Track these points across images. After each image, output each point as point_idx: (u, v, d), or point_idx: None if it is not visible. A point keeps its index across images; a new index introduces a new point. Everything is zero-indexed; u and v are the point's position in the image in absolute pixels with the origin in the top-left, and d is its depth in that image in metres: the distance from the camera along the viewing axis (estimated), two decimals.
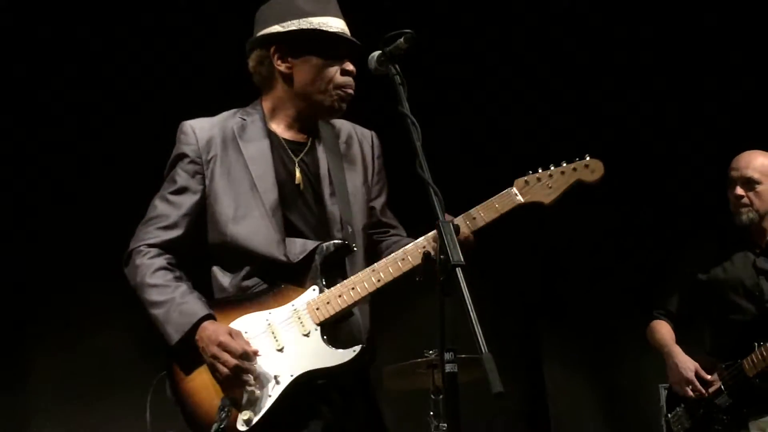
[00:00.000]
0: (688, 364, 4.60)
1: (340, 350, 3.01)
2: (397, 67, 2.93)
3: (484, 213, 3.05)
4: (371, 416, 3.15)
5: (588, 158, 3.11)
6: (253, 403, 2.97)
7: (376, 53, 3.02)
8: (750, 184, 4.65)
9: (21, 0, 5.56)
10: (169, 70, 5.82)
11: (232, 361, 2.93)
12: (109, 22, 5.75)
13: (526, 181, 3.09)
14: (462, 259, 2.53)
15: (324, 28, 3.15)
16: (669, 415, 4.68)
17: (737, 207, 4.67)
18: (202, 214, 3.18)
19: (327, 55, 3.15)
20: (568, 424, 6.58)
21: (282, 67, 3.19)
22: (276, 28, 3.17)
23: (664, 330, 4.81)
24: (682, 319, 4.84)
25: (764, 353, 4.43)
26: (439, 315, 2.53)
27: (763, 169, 4.66)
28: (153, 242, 3.15)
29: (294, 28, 3.15)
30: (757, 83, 6.33)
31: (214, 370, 2.98)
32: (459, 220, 3.02)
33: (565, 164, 3.12)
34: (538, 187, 3.09)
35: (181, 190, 3.17)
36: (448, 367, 2.52)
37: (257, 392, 2.98)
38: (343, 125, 3.34)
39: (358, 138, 3.36)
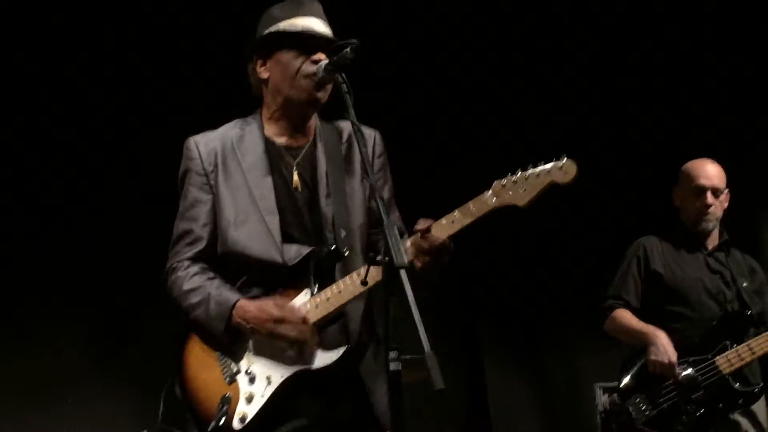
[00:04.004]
0: (672, 348, 4.57)
1: (327, 352, 3.13)
2: (343, 75, 3.00)
3: (461, 216, 3.05)
4: (361, 414, 3.21)
5: (563, 159, 3.04)
6: (248, 402, 3.14)
7: (324, 62, 3.13)
8: (717, 193, 4.84)
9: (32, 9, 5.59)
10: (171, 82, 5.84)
11: (292, 333, 3.10)
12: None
13: (503, 184, 3.05)
14: (405, 261, 2.57)
15: (288, 29, 3.25)
16: (627, 401, 4.61)
17: (705, 215, 4.82)
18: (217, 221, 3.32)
19: (294, 51, 3.24)
20: (508, 422, 6.56)
21: (262, 73, 3.33)
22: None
23: (632, 316, 4.78)
24: (635, 311, 4.81)
25: (741, 353, 4.54)
26: (383, 315, 2.59)
27: (724, 178, 4.89)
28: (183, 257, 3.31)
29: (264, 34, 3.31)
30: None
31: (276, 343, 3.13)
32: (436, 224, 3.05)
33: (541, 165, 3.06)
34: (513, 189, 3.03)
35: (194, 204, 3.32)
36: (392, 366, 2.57)
37: (253, 391, 3.15)
38: (347, 125, 3.37)
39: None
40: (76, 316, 5.74)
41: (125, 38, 5.74)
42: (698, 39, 6.33)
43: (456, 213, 3.07)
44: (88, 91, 5.76)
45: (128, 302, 5.67)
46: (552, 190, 3.05)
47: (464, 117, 6.52)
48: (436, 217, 3.08)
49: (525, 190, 3.04)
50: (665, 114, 6.53)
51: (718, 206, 4.84)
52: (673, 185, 5.00)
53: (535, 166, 3.08)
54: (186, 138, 3.38)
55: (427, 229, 3.03)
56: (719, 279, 4.80)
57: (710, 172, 4.86)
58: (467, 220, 3.06)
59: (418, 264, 3.04)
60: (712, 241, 4.90)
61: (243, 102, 3.47)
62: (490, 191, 3.07)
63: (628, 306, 4.82)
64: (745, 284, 4.79)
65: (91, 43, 5.71)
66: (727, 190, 4.89)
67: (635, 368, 4.69)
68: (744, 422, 4.62)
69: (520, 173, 3.07)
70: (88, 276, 5.72)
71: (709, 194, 4.81)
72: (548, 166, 3.06)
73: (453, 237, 3.06)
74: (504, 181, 3.07)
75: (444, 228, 3.05)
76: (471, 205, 3.07)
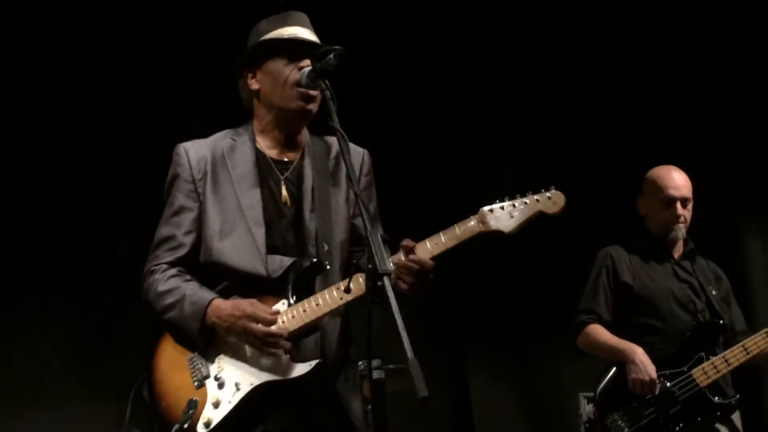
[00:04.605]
0: (651, 364, 4.51)
1: (299, 363, 3.10)
2: (327, 82, 3.04)
3: (445, 239, 3.09)
4: (338, 425, 3.20)
5: (552, 190, 3.13)
6: (215, 407, 3.10)
7: (307, 69, 3.16)
8: (685, 202, 4.81)
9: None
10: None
11: (263, 330, 3.05)
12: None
13: (491, 210, 3.11)
14: (389, 268, 2.60)
15: (274, 37, 3.28)
16: (605, 419, 4.53)
17: (676, 225, 4.79)
18: (201, 230, 3.30)
19: (282, 60, 3.26)
20: (491, 431, 6.51)
21: (253, 85, 3.34)
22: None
23: (606, 332, 4.71)
24: (606, 324, 4.76)
25: (717, 365, 4.52)
26: (366, 323, 2.59)
27: (690, 186, 4.86)
28: (162, 261, 3.28)
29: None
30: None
31: (247, 342, 3.10)
32: (420, 245, 3.08)
33: (529, 194, 3.14)
34: (500, 216, 3.10)
35: (180, 210, 3.30)
36: (375, 374, 2.57)
37: (220, 397, 3.11)
38: (336, 142, 3.35)
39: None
40: (58, 319, 5.66)
41: (118, 39, 5.75)
42: (667, 42, 6.40)
43: (441, 235, 3.10)
44: (78, 93, 5.72)
45: (111, 305, 5.58)
46: (538, 220, 3.12)
47: (449, 136, 6.56)
48: (421, 237, 3.10)
49: (512, 217, 3.11)
50: (647, 121, 6.60)
51: (687, 215, 4.81)
52: (637, 194, 4.98)
53: (523, 195, 3.14)
54: (176, 143, 3.37)
55: (411, 250, 3.05)
56: (688, 288, 4.76)
57: (678, 181, 4.83)
58: (451, 243, 3.09)
59: (404, 285, 3.05)
60: (677, 250, 4.86)
61: (234, 112, 3.48)
62: (477, 216, 3.12)
63: (600, 320, 4.75)
64: (714, 292, 4.77)
65: (87, 43, 5.72)
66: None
67: (607, 382, 4.63)
68: (724, 430, 4.58)
69: (507, 201, 3.14)
70: (71, 278, 5.63)
71: (678, 205, 4.78)
72: (537, 195, 3.14)
73: (436, 258, 3.08)
74: (491, 207, 3.13)
75: (428, 249, 3.08)
76: (456, 228, 3.11)
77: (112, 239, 5.59)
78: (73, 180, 5.71)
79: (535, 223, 3.12)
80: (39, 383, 5.54)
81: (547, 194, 3.13)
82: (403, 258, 3.05)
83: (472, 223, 3.11)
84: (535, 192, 3.14)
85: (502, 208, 3.12)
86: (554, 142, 6.54)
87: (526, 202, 3.12)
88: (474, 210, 3.13)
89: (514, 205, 3.12)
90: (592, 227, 6.19)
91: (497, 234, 3.12)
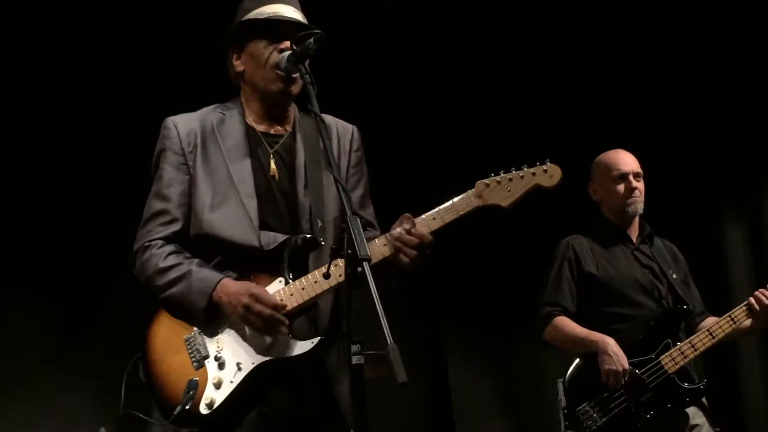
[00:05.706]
0: (623, 355, 4.45)
1: (300, 341, 3.09)
2: (306, 66, 3.00)
3: (444, 214, 3.08)
4: (326, 409, 3.18)
5: (548, 163, 3.12)
6: (216, 387, 3.10)
7: (287, 53, 3.11)
8: (637, 177, 4.80)
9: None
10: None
11: (267, 311, 3.04)
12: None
13: (487, 184, 3.10)
14: (369, 253, 2.58)
15: (255, 17, 3.23)
16: (577, 410, 4.47)
17: (632, 196, 4.75)
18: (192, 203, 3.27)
19: (264, 41, 3.21)
20: (470, 417, 6.46)
21: (238, 66, 3.32)
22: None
23: (575, 324, 4.64)
24: (571, 316, 4.67)
25: (684, 351, 4.50)
26: (345, 309, 2.59)
27: (638, 164, 4.85)
28: (157, 236, 3.25)
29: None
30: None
31: (247, 322, 3.07)
32: (419, 221, 3.06)
33: (525, 168, 3.12)
34: (497, 190, 3.09)
35: (170, 183, 3.27)
36: (355, 359, 2.56)
37: (222, 377, 3.10)
38: (326, 118, 3.35)
39: (339, 132, 3.38)
40: (35, 309, 5.68)
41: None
42: (652, 34, 6.36)
43: (439, 209, 3.09)
44: (42, 85, 5.69)
45: (89, 295, 5.59)
46: (535, 193, 3.10)
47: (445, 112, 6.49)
48: (418, 213, 3.09)
49: (509, 191, 3.10)
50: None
51: (641, 188, 4.79)
52: (587, 182, 4.94)
53: (518, 168, 3.13)
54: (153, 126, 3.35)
55: (412, 224, 3.04)
56: (650, 274, 4.73)
57: (627, 158, 4.84)
58: (449, 217, 3.09)
59: (405, 260, 3.04)
60: (634, 233, 4.83)
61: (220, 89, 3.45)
62: (474, 190, 3.11)
63: (566, 312, 4.68)
64: (674, 276, 4.72)
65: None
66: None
67: (573, 372, 4.59)
68: (692, 411, 4.55)
69: (503, 174, 3.13)
70: (50, 267, 5.61)
71: (631, 177, 4.76)
72: (533, 169, 3.12)
73: (434, 233, 3.07)
74: (488, 181, 3.12)
75: (427, 223, 3.07)
76: (454, 203, 3.10)
77: (92, 227, 5.56)
78: (51, 168, 5.69)
79: (532, 196, 3.10)
80: (17, 372, 5.54)
81: (543, 167, 3.12)
82: (404, 233, 3.04)
83: (470, 196, 3.10)
84: (531, 165, 3.12)
85: (499, 182, 3.11)
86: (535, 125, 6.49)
87: (522, 176, 3.11)
88: (471, 184, 3.10)
89: (510, 179, 3.11)
90: (570, 214, 6.08)
91: (495, 208, 3.10)
